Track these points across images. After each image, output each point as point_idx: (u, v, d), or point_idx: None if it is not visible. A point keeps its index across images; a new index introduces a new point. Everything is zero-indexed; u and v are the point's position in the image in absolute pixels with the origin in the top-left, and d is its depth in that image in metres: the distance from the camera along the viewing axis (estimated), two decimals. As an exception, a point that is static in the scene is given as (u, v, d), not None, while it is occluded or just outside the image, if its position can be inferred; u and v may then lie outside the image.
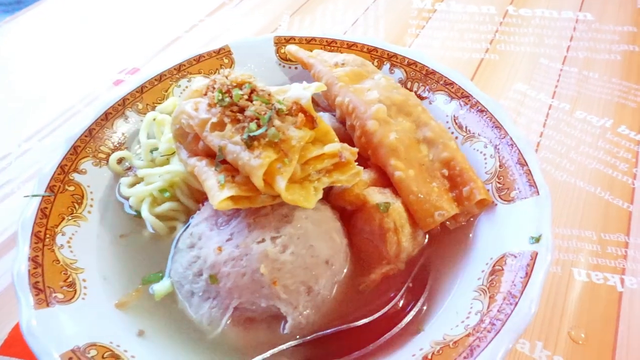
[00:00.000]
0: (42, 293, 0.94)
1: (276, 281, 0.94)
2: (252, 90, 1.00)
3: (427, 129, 1.17)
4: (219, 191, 0.94)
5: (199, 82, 1.11)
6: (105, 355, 0.88)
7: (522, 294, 0.87)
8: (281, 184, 0.91)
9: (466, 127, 1.26)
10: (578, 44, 2.05)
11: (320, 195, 0.97)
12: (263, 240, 0.96)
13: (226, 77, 1.02)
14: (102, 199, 1.20)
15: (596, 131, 1.68)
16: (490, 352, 0.80)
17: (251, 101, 0.98)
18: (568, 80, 1.88)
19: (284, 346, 0.94)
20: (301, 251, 0.97)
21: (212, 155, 1.05)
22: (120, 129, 1.32)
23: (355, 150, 1.02)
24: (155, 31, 2.30)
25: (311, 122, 1.01)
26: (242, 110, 0.98)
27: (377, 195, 1.06)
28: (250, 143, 0.93)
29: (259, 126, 0.94)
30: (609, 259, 1.32)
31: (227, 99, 0.98)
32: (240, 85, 1.00)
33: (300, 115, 0.97)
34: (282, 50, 1.51)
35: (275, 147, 0.94)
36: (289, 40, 1.51)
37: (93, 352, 0.87)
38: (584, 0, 2.31)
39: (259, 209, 1.00)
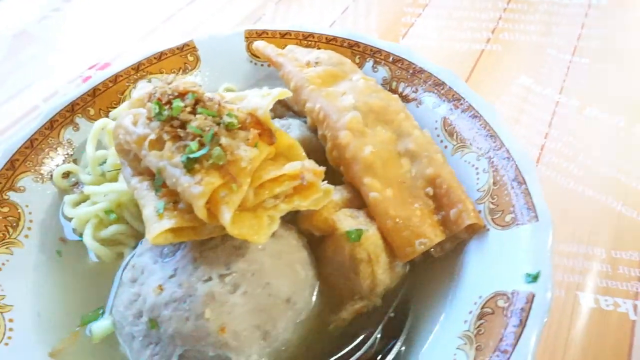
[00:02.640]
0: (-48, 342, 0.81)
1: (224, 327, 0.80)
2: (197, 101, 0.84)
3: (410, 140, 1.01)
4: (156, 222, 0.80)
5: (143, 88, 0.96)
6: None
7: (514, 349, 0.72)
8: (226, 215, 0.76)
9: (457, 135, 1.09)
10: (590, 32, 1.85)
11: (276, 226, 0.82)
12: (210, 279, 0.82)
13: (168, 84, 0.87)
14: (43, 220, 1.07)
15: (608, 131, 1.50)
16: None
17: (195, 114, 0.83)
18: (578, 73, 1.69)
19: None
20: (255, 290, 0.83)
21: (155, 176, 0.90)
22: (68, 138, 1.17)
23: (321, 170, 0.86)
24: (130, 22, 2.13)
25: (269, 137, 0.86)
26: (183, 125, 0.83)
27: (349, 220, 0.91)
28: (190, 166, 0.78)
29: (201, 145, 0.79)
30: (620, 281, 1.17)
31: (166, 112, 0.83)
32: (182, 95, 0.84)
33: (252, 130, 0.82)
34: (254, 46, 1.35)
35: (221, 170, 0.79)
36: (261, 34, 1.35)
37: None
38: (597, -17, 2.10)
39: (208, 240, 0.85)
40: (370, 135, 0.99)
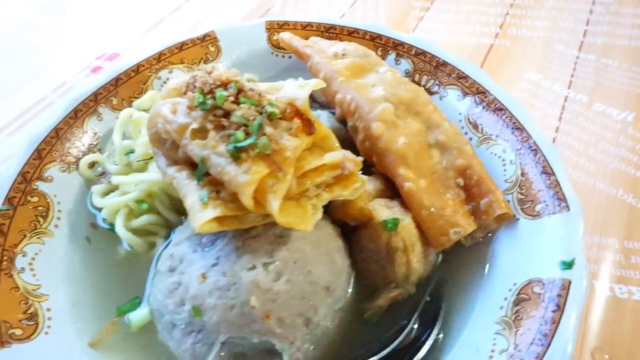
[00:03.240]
0: (-5, 330, 0.81)
1: (269, 314, 0.81)
2: (239, 91, 0.85)
3: (440, 131, 1.02)
4: (201, 211, 0.80)
5: (179, 77, 0.96)
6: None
7: (555, 332, 0.75)
8: (274, 204, 0.77)
9: (482, 128, 1.12)
10: (595, 28, 1.90)
11: (319, 214, 0.84)
12: (254, 267, 0.83)
13: (208, 74, 0.87)
14: (71, 210, 1.06)
15: (617, 126, 1.54)
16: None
17: (238, 103, 0.83)
18: (585, 68, 1.74)
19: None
20: (298, 278, 0.84)
21: (194, 165, 0.90)
22: (92, 128, 1.16)
23: (360, 159, 0.88)
24: (137, 12, 2.11)
25: (308, 127, 0.86)
26: (227, 114, 0.83)
27: (384, 210, 0.93)
28: (237, 155, 0.78)
29: (247, 134, 0.80)
30: (633, 270, 1.21)
31: (210, 102, 0.83)
32: (224, 85, 0.85)
33: (296, 120, 0.83)
34: (275, 37, 1.35)
35: (267, 160, 0.79)
36: (282, 25, 1.35)
37: (55, 402, 0.75)
38: (601, -20, 2.14)
39: (250, 229, 0.86)
40: (402, 127, 1.00)
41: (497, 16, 1.99)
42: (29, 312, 0.86)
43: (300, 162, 0.85)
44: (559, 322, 0.76)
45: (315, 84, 0.91)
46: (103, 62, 1.87)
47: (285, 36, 1.23)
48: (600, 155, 1.46)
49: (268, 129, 0.80)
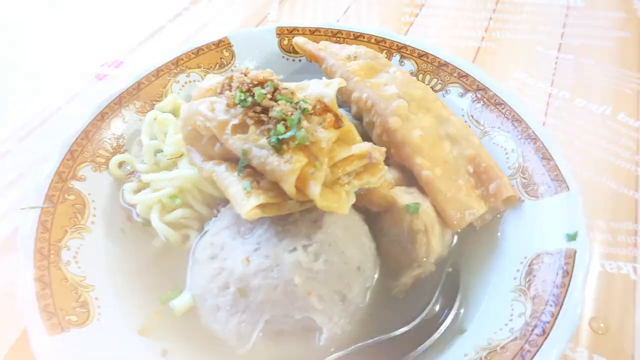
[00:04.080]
0: (54, 317, 0.86)
1: (311, 292, 0.89)
2: (275, 89, 0.93)
3: (449, 124, 1.13)
4: (245, 199, 0.87)
5: (210, 79, 1.03)
6: (132, 383, 0.81)
7: (565, 295, 0.85)
8: (315, 189, 0.85)
9: (483, 121, 1.22)
10: (572, 30, 2.05)
11: (353, 199, 0.92)
12: (294, 249, 0.90)
13: (245, 75, 0.95)
14: (104, 207, 1.11)
15: (597, 119, 1.68)
16: (541, 358, 0.78)
17: (275, 101, 0.91)
18: (565, 68, 1.88)
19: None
20: (334, 258, 0.92)
21: (229, 159, 0.97)
22: (118, 129, 1.22)
23: (384, 150, 0.97)
24: (137, 20, 2.16)
25: (337, 122, 0.95)
26: (265, 110, 0.91)
27: (406, 196, 1.02)
28: (278, 147, 0.86)
29: (286, 128, 0.88)
30: (620, 247, 1.33)
31: (250, 99, 0.91)
32: (262, 84, 0.93)
33: (329, 115, 0.91)
34: (285, 42, 1.43)
35: (305, 151, 0.88)
36: (292, 31, 1.44)
37: (119, 381, 0.81)
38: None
39: (287, 215, 0.94)
40: (416, 121, 1.10)
41: (482, 20, 2.12)
42: (80, 300, 0.91)
43: (330, 153, 0.93)
44: (568, 286, 0.86)
45: (339, 83, 1.00)
46: (107, 69, 1.91)
47: (300, 40, 1.32)
48: (584, 145, 1.59)
49: (305, 123, 0.89)
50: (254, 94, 0.91)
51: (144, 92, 1.28)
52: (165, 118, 1.20)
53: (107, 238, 1.07)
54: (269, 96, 0.92)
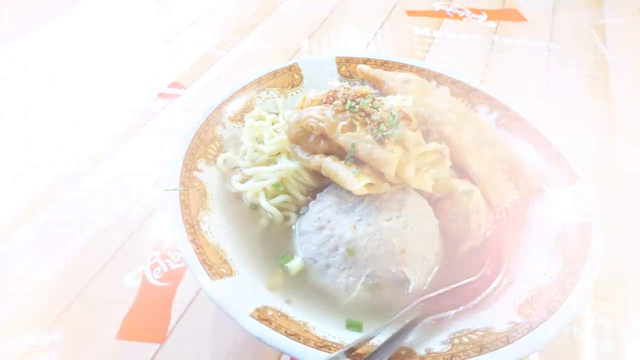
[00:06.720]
0: (212, 268, 1.10)
1: (404, 250, 1.17)
2: (373, 100, 1.25)
3: (486, 133, 1.47)
4: (356, 180, 1.17)
5: (313, 93, 1.34)
6: (278, 314, 1.06)
7: (589, 252, 1.17)
8: (410, 172, 1.16)
9: (508, 134, 1.57)
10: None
11: (432, 182, 1.23)
12: (390, 219, 1.20)
13: (347, 89, 1.26)
14: (218, 193, 1.37)
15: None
16: (579, 290, 1.09)
17: (374, 108, 1.23)
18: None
19: (408, 306, 1.17)
20: (416, 227, 1.22)
21: (331, 153, 1.27)
22: (219, 133, 1.49)
23: (447, 147, 1.29)
24: (184, 49, 2.46)
25: (415, 126, 1.27)
26: (367, 115, 1.22)
27: (462, 184, 1.34)
28: (382, 141, 1.17)
29: (387, 128, 1.19)
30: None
31: (357, 106, 1.22)
32: (363, 96, 1.25)
33: (415, 119, 1.23)
34: (343, 68, 1.76)
35: (400, 144, 1.19)
36: (348, 60, 1.76)
37: (270, 312, 1.06)
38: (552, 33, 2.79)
39: (381, 195, 1.24)
40: (463, 130, 1.43)
41: (481, 59, 2.54)
42: (222, 259, 1.16)
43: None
44: (589, 247, 1.19)
45: (412, 98, 1.33)
46: (167, 89, 2.19)
47: (364, 67, 1.65)
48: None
49: (400, 124, 1.20)
50: (359, 102, 1.23)
51: (234, 103, 1.56)
52: (260, 125, 1.49)
53: (224, 217, 1.33)
54: (370, 104, 1.23)
